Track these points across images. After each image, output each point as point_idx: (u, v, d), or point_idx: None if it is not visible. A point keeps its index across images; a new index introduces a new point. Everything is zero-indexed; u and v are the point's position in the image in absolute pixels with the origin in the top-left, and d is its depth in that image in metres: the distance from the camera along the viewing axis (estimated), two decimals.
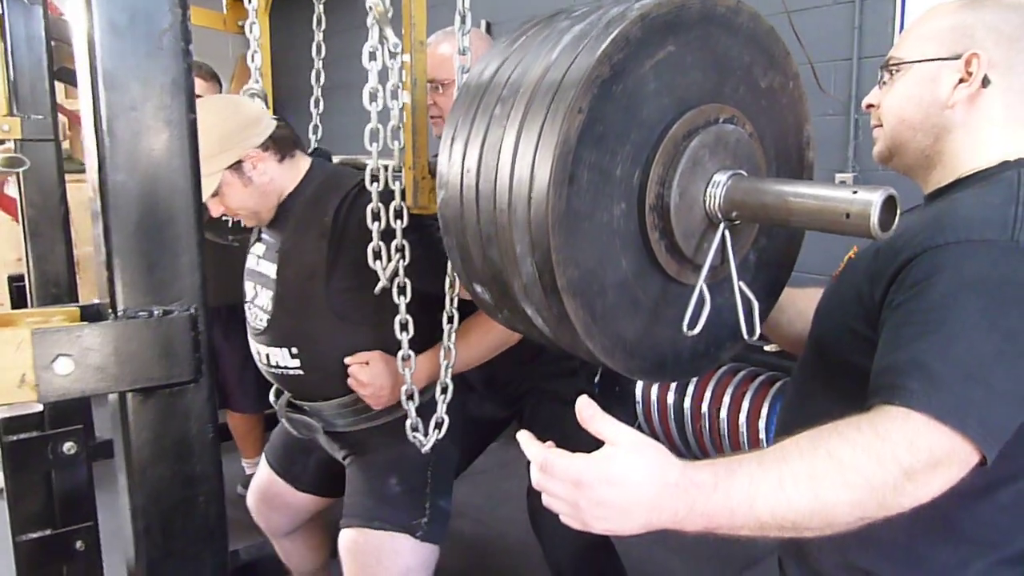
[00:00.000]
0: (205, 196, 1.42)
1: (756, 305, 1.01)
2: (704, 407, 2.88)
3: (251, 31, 1.77)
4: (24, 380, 0.66)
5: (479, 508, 2.91)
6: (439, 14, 1.56)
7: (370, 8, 1.27)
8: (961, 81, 1.00)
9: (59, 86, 2.12)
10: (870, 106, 1.11)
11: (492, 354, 1.59)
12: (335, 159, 1.90)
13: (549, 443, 0.84)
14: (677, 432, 2.99)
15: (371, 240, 1.38)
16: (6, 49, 1.74)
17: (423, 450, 1.48)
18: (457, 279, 1.35)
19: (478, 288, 1.09)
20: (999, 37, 0.99)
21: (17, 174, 1.81)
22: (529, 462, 0.84)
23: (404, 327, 1.41)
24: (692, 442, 2.96)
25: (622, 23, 0.87)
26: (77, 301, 1.97)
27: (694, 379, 2.89)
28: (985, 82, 0.99)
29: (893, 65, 1.06)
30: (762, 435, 2.69)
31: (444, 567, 1.69)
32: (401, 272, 1.40)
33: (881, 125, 1.09)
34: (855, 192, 0.83)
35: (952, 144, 1.03)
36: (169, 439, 0.75)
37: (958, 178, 1.02)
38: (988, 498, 0.93)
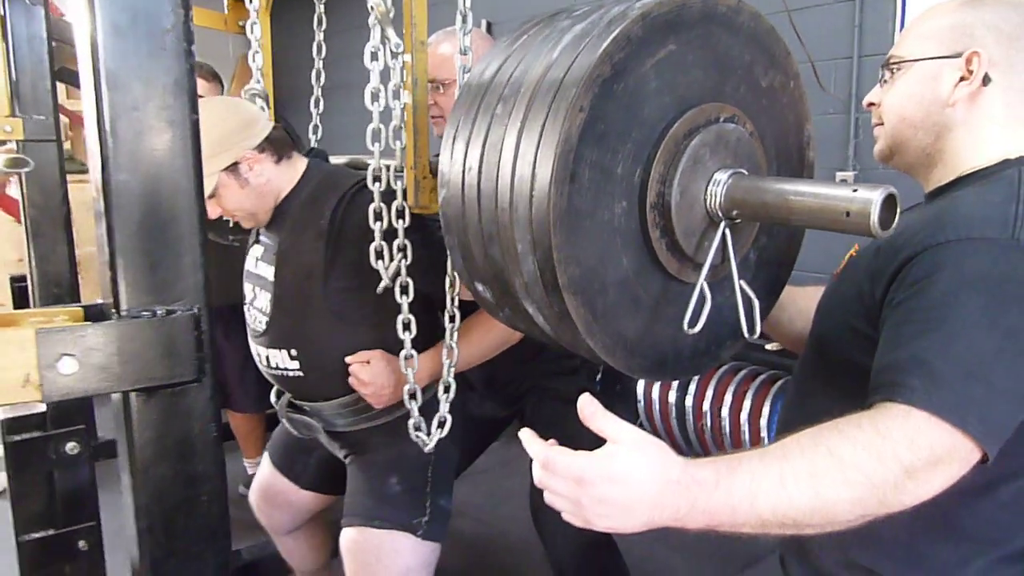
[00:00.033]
0: None
1: (756, 303, 1.01)
2: (706, 405, 2.88)
3: (252, 31, 1.77)
4: (28, 380, 0.66)
5: (480, 507, 2.92)
6: (440, 13, 1.57)
7: (372, 8, 1.27)
8: (962, 79, 1.00)
9: (60, 87, 2.13)
10: (871, 104, 1.11)
11: (493, 353, 1.59)
12: (337, 159, 1.90)
13: (551, 441, 0.84)
14: (679, 430, 3.00)
15: (369, 240, 1.38)
16: (8, 50, 1.74)
17: (426, 449, 1.48)
18: (458, 278, 1.35)
19: (479, 287, 1.09)
20: (999, 35, 0.99)
21: (19, 175, 1.82)
22: (531, 460, 0.84)
23: (407, 326, 1.41)
24: (694, 440, 2.96)
25: (623, 22, 0.88)
26: (79, 301, 1.98)
27: (695, 378, 2.89)
28: (986, 80, 0.99)
29: (894, 63, 1.07)
30: (763, 434, 2.70)
31: (445, 566, 1.70)
32: (403, 272, 1.40)
33: (882, 123, 1.09)
34: (855, 190, 0.83)
35: (953, 142, 1.03)
36: (172, 438, 0.75)
37: (959, 176, 1.03)
38: (989, 496, 0.94)
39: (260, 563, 2.28)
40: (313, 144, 2.03)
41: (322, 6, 1.85)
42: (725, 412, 2.81)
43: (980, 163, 1.01)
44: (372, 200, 1.37)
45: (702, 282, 0.95)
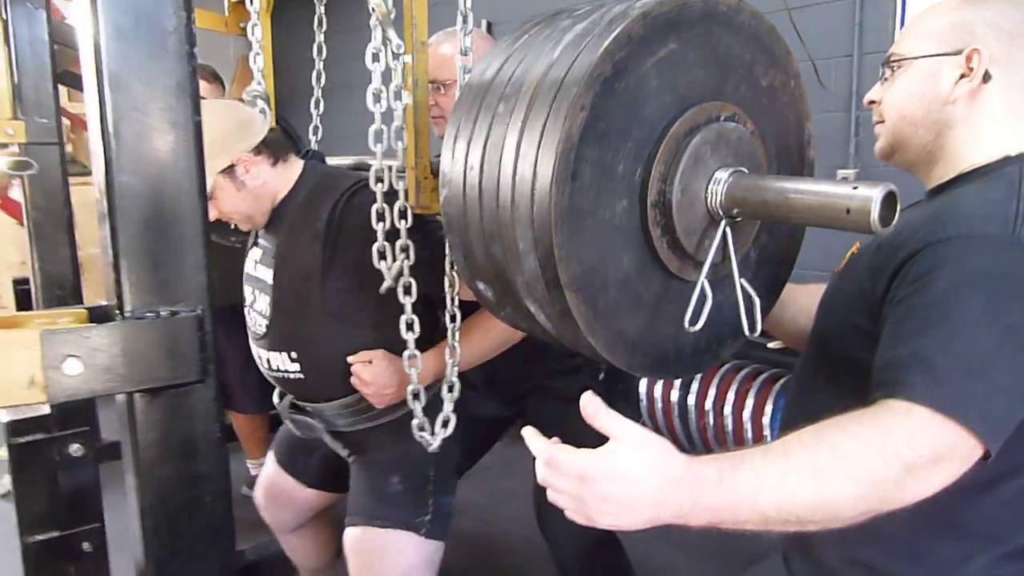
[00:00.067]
0: None
1: (757, 301, 1.01)
2: (708, 404, 2.88)
3: (253, 32, 1.77)
4: (33, 381, 0.66)
5: (482, 506, 2.92)
6: (440, 14, 1.57)
7: (373, 9, 1.28)
8: (962, 77, 1.00)
9: (62, 90, 2.13)
10: (871, 102, 1.12)
11: (495, 352, 1.59)
12: (343, 160, 1.90)
13: (554, 439, 0.84)
14: (681, 429, 3.00)
15: (367, 241, 1.38)
16: (10, 53, 1.75)
17: (430, 450, 1.48)
18: (459, 277, 1.35)
19: (481, 285, 1.10)
20: (1000, 33, 0.99)
21: (22, 177, 1.82)
22: (534, 458, 0.84)
23: (410, 327, 1.42)
24: (696, 439, 2.96)
25: (624, 21, 0.88)
26: (82, 303, 1.99)
27: (698, 376, 2.89)
28: (986, 78, 1.00)
29: (894, 61, 1.07)
30: (766, 432, 2.70)
31: (448, 565, 1.70)
32: (406, 272, 1.40)
33: (883, 121, 1.09)
34: (855, 188, 0.83)
35: (953, 140, 1.03)
36: (175, 439, 0.76)
37: (959, 173, 1.03)
38: (990, 493, 0.94)
39: (264, 563, 2.28)
40: (313, 145, 2.04)
41: (322, 7, 1.86)
42: (728, 411, 2.81)
43: (981, 160, 1.01)
44: (369, 201, 1.36)
45: (703, 280, 0.96)
